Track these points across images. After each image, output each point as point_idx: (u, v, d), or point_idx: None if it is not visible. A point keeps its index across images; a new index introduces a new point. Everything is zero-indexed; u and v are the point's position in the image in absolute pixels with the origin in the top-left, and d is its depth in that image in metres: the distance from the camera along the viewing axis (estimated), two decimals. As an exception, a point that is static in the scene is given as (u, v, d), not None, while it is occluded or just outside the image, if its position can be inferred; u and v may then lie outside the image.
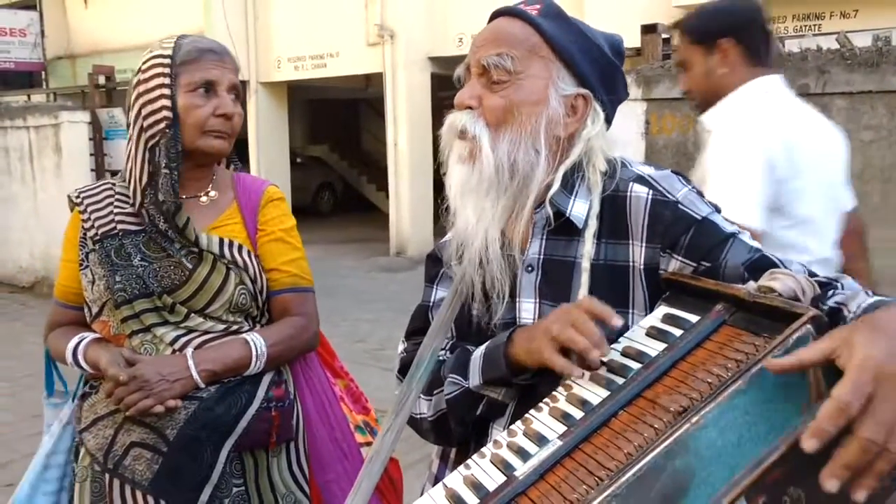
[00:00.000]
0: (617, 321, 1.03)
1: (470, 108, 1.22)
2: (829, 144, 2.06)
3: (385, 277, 9.87)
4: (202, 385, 1.56)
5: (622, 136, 4.75)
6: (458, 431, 1.27)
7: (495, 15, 1.27)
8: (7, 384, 5.53)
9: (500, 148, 1.18)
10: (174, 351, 1.60)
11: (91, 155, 8.43)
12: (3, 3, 15.19)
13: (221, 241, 1.67)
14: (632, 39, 5.46)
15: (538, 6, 1.23)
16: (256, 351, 1.62)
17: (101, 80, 8.58)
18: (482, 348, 1.23)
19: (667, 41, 5.30)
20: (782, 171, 1.84)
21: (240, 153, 1.89)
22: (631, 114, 4.80)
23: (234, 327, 1.66)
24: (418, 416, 1.31)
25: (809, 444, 0.78)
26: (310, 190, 17.05)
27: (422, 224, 11.56)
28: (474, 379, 1.20)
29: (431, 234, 11.55)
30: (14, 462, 4.13)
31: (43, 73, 15.25)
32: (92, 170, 8.42)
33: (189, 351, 1.59)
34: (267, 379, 1.66)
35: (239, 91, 1.69)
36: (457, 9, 10.85)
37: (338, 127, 18.81)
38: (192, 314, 1.63)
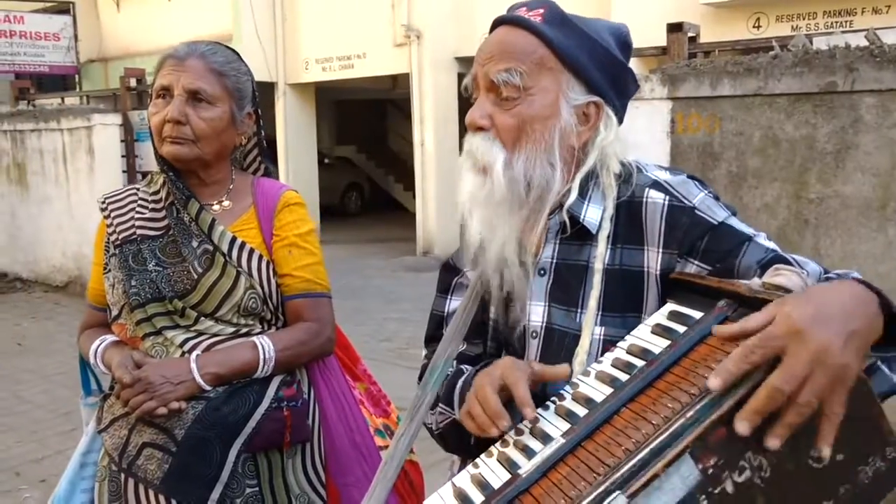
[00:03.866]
0: (530, 413, 1.04)
1: (482, 128, 1.20)
2: None
3: (412, 277, 9.91)
4: (206, 388, 1.58)
5: (647, 135, 4.71)
6: (464, 447, 1.28)
7: (498, 23, 1.24)
8: (41, 381, 5.64)
9: (517, 168, 1.18)
10: (183, 353, 1.62)
11: (122, 157, 8.55)
12: (37, 8, 15.45)
13: (233, 239, 1.69)
14: (658, 38, 5.43)
15: (541, 11, 1.20)
16: (264, 355, 1.62)
17: (133, 82, 8.70)
18: (460, 381, 1.26)
19: (693, 39, 5.26)
20: None
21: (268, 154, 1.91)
22: (656, 113, 4.76)
23: (244, 330, 1.67)
24: (428, 425, 1.33)
25: (713, 383, 0.84)
26: (337, 190, 17.15)
27: (449, 223, 11.57)
28: (457, 412, 1.22)
29: (458, 234, 11.55)
30: (47, 458, 4.23)
31: (76, 76, 15.50)
32: (123, 171, 8.54)
33: (194, 354, 1.61)
34: (277, 379, 1.67)
35: (205, 94, 1.65)
36: (483, 9, 10.83)
37: (365, 127, 18.90)
38: (203, 317, 1.65)
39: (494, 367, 1.13)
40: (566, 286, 1.22)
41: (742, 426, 0.81)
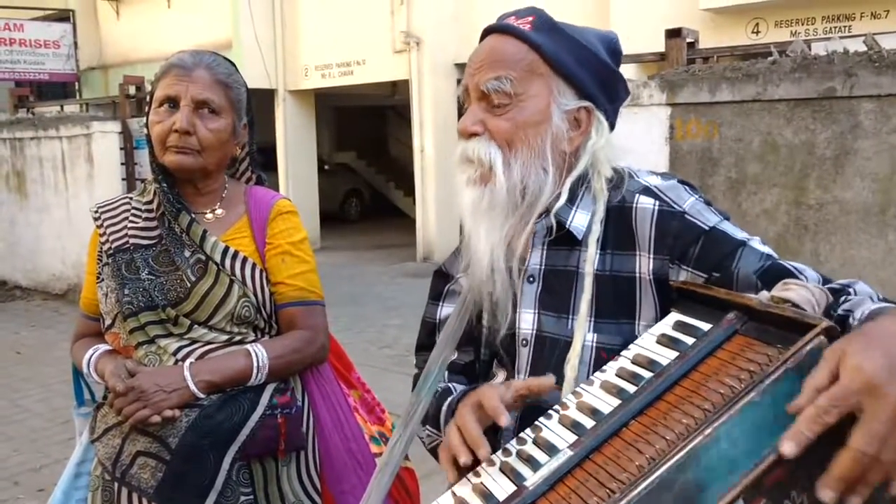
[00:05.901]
0: (504, 420, 1.04)
1: (475, 134, 1.20)
2: None
3: (412, 283, 9.89)
4: (200, 395, 1.58)
5: (646, 141, 4.71)
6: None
7: (488, 31, 1.24)
8: (40, 390, 5.63)
9: (513, 171, 1.18)
10: (177, 361, 1.62)
11: (122, 164, 8.55)
12: (37, 16, 15.47)
13: (226, 249, 1.69)
14: (656, 44, 5.44)
15: (530, 18, 1.20)
16: (258, 362, 1.63)
17: (132, 90, 8.71)
18: (446, 404, 1.25)
19: (691, 45, 5.27)
20: None
21: (267, 161, 1.91)
22: (655, 119, 4.76)
23: (238, 338, 1.67)
24: (421, 438, 1.32)
25: (787, 448, 0.78)
26: (337, 196, 17.16)
27: (449, 229, 11.57)
28: (444, 434, 1.21)
29: (459, 240, 11.55)
30: (46, 467, 4.21)
31: (76, 83, 15.51)
32: (123, 179, 8.54)
33: (187, 362, 1.60)
34: (270, 387, 1.67)
35: (213, 105, 1.67)
36: (482, 15, 10.84)
37: (365, 134, 18.91)
38: (196, 326, 1.65)
39: (473, 395, 1.13)
40: (556, 293, 1.22)
41: (827, 495, 0.77)
